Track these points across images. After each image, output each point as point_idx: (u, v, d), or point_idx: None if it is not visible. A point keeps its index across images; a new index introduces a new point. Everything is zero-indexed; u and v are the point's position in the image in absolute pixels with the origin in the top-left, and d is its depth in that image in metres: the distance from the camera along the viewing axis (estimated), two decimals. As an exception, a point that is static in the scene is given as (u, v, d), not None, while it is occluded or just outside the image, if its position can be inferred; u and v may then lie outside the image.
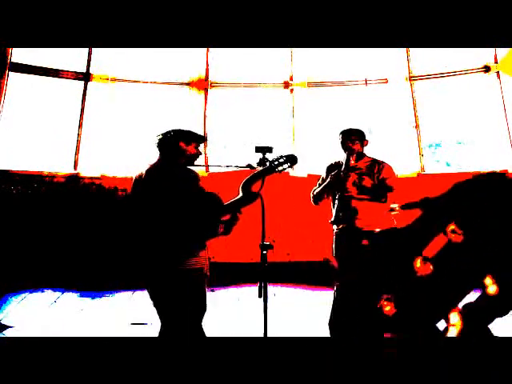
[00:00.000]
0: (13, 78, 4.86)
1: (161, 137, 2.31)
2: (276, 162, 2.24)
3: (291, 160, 2.26)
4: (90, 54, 5.12)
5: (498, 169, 4.93)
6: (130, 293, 4.24)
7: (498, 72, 5.07)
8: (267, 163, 2.28)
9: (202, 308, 2.27)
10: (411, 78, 5.29)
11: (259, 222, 2.26)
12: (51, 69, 5.01)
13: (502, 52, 5.04)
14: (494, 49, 5.09)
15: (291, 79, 5.31)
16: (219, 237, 2.27)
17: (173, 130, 2.33)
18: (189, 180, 2.20)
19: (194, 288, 2.19)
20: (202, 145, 2.46)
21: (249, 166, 2.35)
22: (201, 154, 2.38)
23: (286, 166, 2.25)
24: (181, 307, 2.18)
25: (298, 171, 5.01)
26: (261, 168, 2.29)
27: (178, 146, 2.28)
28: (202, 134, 2.48)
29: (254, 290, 2.24)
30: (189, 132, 2.36)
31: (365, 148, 2.98)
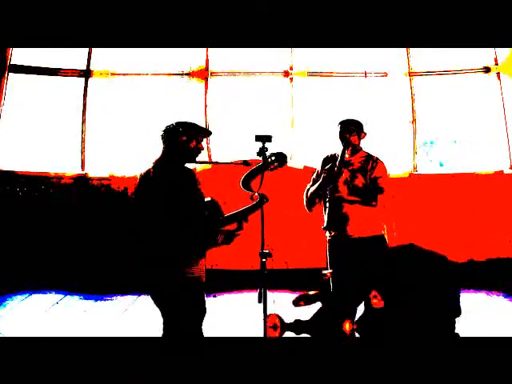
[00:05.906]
0: (14, 78, 4.85)
1: (163, 130, 2.22)
2: (269, 160, 2.20)
3: (280, 159, 2.20)
4: (90, 51, 5.07)
5: (493, 169, 4.98)
6: (134, 297, 4.25)
7: (498, 73, 5.06)
8: (265, 153, 2.28)
9: (201, 312, 2.34)
10: (411, 74, 5.27)
11: (258, 229, 2.32)
12: (51, 68, 4.99)
13: (502, 53, 5.02)
14: (494, 51, 5.06)
15: (291, 68, 5.24)
16: (220, 246, 2.30)
17: (175, 123, 2.22)
18: (181, 185, 2.15)
19: (193, 295, 2.25)
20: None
21: (244, 162, 2.32)
22: (203, 148, 2.29)
23: (276, 164, 2.20)
24: (182, 313, 2.25)
25: (294, 162, 4.87)
26: (257, 158, 2.28)
27: (179, 141, 2.18)
28: (206, 127, 2.44)
29: (253, 295, 2.32)
30: (191, 125, 2.24)
31: (361, 141, 2.88)
